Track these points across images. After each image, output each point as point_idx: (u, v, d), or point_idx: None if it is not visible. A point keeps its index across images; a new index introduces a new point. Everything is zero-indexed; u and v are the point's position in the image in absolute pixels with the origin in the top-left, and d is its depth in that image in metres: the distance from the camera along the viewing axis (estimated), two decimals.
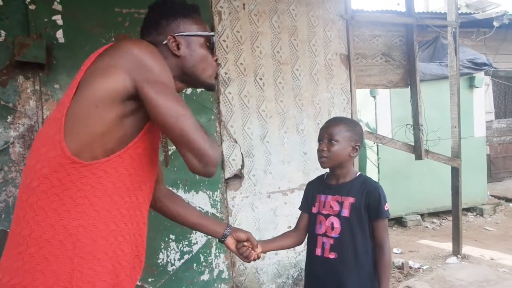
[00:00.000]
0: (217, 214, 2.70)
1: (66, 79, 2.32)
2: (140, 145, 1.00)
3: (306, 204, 1.70)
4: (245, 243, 1.48)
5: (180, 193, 2.57)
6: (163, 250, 2.56)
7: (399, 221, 5.11)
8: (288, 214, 2.92)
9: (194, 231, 2.61)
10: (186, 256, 2.63)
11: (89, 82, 0.93)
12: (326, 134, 1.58)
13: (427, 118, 3.65)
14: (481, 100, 5.61)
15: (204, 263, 2.68)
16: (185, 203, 1.47)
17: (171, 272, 2.58)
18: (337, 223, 1.56)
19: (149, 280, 2.49)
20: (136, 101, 0.96)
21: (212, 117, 2.69)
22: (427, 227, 5.04)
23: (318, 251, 1.59)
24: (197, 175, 1.18)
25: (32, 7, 2.22)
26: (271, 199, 2.90)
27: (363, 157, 5.13)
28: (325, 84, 3.08)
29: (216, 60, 1.16)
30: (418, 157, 3.56)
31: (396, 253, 4.04)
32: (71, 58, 2.32)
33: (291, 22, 2.96)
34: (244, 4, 2.79)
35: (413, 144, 3.61)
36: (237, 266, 2.78)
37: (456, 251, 3.87)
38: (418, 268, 3.62)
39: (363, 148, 4.94)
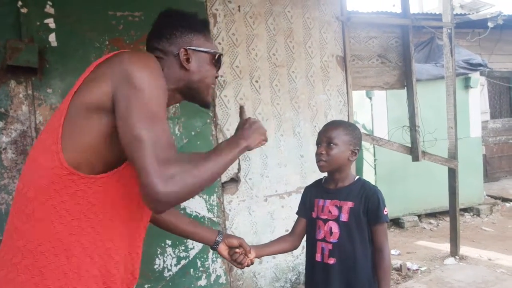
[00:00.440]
0: (214, 219, 2.68)
1: (59, 84, 2.29)
2: None
3: (304, 209, 1.68)
4: (237, 250, 1.45)
5: None
6: (159, 255, 2.52)
7: (396, 222, 5.10)
8: (285, 218, 2.89)
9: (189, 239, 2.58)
10: (182, 262, 2.60)
11: (84, 91, 0.91)
12: (325, 137, 1.55)
13: (423, 119, 3.64)
14: (477, 100, 5.62)
15: (201, 268, 2.66)
16: (176, 212, 1.45)
17: (168, 278, 2.55)
18: (335, 228, 1.54)
19: (146, 286, 2.46)
20: None
21: (208, 120, 2.66)
22: (424, 228, 5.04)
23: (318, 257, 1.57)
24: None
25: (24, 10, 2.18)
26: (268, 202, 2.88)
27: (360, 159, 5.12)
28: (321, 86, 3.07)
29: (216, 77, 1.16)
30: (415, 158, 3.55)
31: (394, 254, 4.03)
32: (64, 62, 2.29)
33: (286, 24, 2.94)
34: (239, 7, 2.77)
35: (409, 145, 3.60)
36: (234, 270, 2.76)
37: (454, 252, 3.86)
38: (416, 269, 3.61)
39: (360, 150, 4.92)
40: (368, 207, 1.51)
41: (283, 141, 2.93)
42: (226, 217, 2.74)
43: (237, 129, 1.14)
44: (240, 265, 1.46)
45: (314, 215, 1.61)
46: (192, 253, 2.62)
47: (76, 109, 0.90)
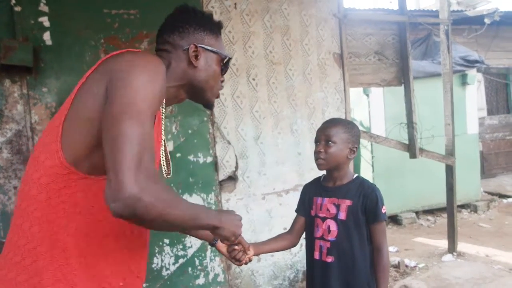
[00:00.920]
0: None
1: (54, 82, 2.27)
2: None
3: (302, 207, 1.67)
4: (236, 247, 1.45)
5: None
6: (157, 254, 2.52)
7: (394, 219, 5.11)
8: (283, 215, 2.89)
9: (188, 235, 2.58)
10: (180, 260, 2.59)
11: (85, 92, 0.90)
12: (323, 135, 1.55)
13: (420, 116, 3.64)
14: (474, 97, 5.63)
15: (199, 267, 2.65)
16: None
17: (166, 277, 2.54)
18: (334, 226, 1.53)
19: (144, 285, 2.45)
20: None
21: (205, 118, 2.65)
22: (422, 224, 5.05)
23: (316, 255, 1.56)
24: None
25: (17, 8, 2.16)
26: (266, 200, 2.87)
27: (357, 156, 5.12)
28: (318, 84, 3.06)
29: (222, 81, 1.15)
30: (413, 155, 3.55)
31: (391, 251, 4.04)
32: (59, 61, 2.27)
33: (283, 21, 2.93)
34: (235, 4, 2.76)
35: (407, 142, 3.60)
36: (232, 269, 2.75)
37: (452, 248, 3.87)
38: (414, 266, 3.61)
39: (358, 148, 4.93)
40: (366, 205, 1.51)
41: (281, 139, 2.92)
42: None
43: (225, 212, 1.08)
44: (238, 262, 1.46)
45: (312, 213, 1.61)
46: (190, 252, 2.62)
47: (78, 108, 0.89)
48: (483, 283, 3.17)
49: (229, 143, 2.75)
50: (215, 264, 2.69)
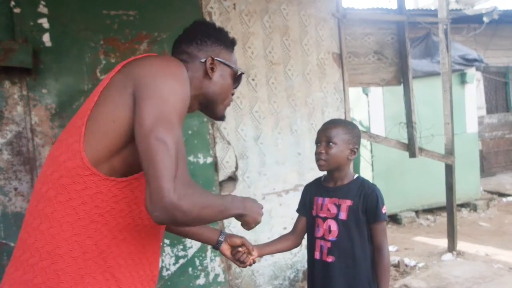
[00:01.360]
0: None
1: (54, 84, 2.27)
2: None
3: (303, 207, 1.68)
4: (240, 249, 1.45)
5: None
6: None
7: (394, 218, 5.12)
8: (284, 216, 2.89)
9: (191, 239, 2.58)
10: (181, 261, 2.59)
11: (109, 93, 0.92)
12: (324, 136, 1.55)
13: (419, 115, 3.65)
14: (473, 96, 5.63)
15: (199, 267, 2.65)
16: None
17: (166, 277, 2.55)
18: (334, 226, 1.54)
19: None
20: None
21: (205, 119, 2.65)
22: (421, 223, 5.05)
23: (317, 255, 1.57)
24: None
25: (17, 10, 2.16)
26: (266, 200, 2.87)
27: (357, 156, 5.12)
28: (318, 84, 3.06)
29: (232, 94, 1.20)
30: (412, 155, 3.56)
31: (391, 250, 4.04)
32: (59, 62, 2.27)
33: (282, 21, 2.93)
34: (234, 4, 2.76)
35: (406, 142, 3.60)
36: (233, 269, 2.76)
37: (451, 247, 3.88)
38: (414, 265, 3.62)
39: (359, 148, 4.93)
40: (366, 205, 1.51)
41: (280, 139, 2.93)
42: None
43: (248, 199, 1.14)
44: (243, 264, 1.46)
45: (313, 213, 1.61)
46: (191, 252, 2.62)
47: (101, 110, 0.90)
48: (483, 282, 3.17)
49: (229, 143, 2.75)
50: (215, 264, 2.70)
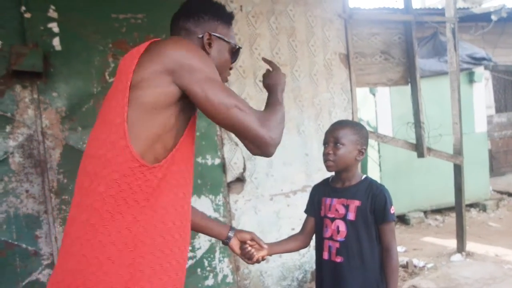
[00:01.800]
0: (220, 218, 2.69)
1: (64, 87, 2.30)
2: (187, 138, 1.05)
3: (312, 208, 1.68)
4: (249, 242, 1.46)
5: None
6: None
7: (402, 219, 5.09)
8: (291, 216, 2.90)
9: (197, 236, 2.60)
10: (189, 262, 2.61)
11: (141, 87, 0.96)
12: (332, 137, 1.56)
13: (427, 115, 3.62)
14: (481, 95, 5.58)
15: (208, 268, 2.67)
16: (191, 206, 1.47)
17: None
18: (342, 227, 1.54)
19: None
20: (186, 98, 1.00)
21: None
22: (430, 224, 5.02)
23: (325, 255, 1.58)
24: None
25: (27, 15, 2.20)
26: (274, 201, 2.88)
27: (365, 156, 5.10)
28: (325, 84, 3.06)
29: (230, 69, 1.24)
30: (420, 155, 3.54)
31: (400, 251, 4.02)
32: (69, 66, 2.30)
33: (289, 23, 2.94)
34: (241, 6, 2.77)
35: (414, 142, 3.59)
36: (241, 270, 2.77)
37: (461, 248, 3.85)
38: (423, 266, 3.60)
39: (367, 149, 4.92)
40: (375, 205, 1.52)
41: (288, 140, 2.93)
42: (232, 217, 2.74)
43: (265, 78, 1.33)
44: (249, 260, 1.47)
45: (321, 213, 1.62)
46: (199, 253, 2.64)
47: (139, 105, 0.96)
48: (493, 283, 3.15)
49: (236, 144, 2.76)
50: (224, 265, 2.71)
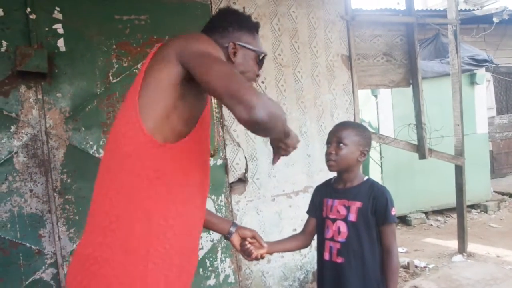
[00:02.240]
0: None
1: (68, 88, 2.32)
2: (200, 129, 1.07)
3: (313, 208, 1.70)
4: (249, 239, 1.48)
5: None
6: None
7: (404, 220, 5.10)
8: (293, 217, 2.91)
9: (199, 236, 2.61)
10: None
11: (153, 69, 1.02)
12: (335, 137, 1.57)
13: (429, 116, 3.64)
14: (483, 96, 5.59)
15: (210, 268, 2.68)
16: None
17: None
18: (344, 228, 1.55)
19: None
20: (193, 82, 1.01)
21: (215, 121, 2.68)
22: (431, 225, 5.03)
23: (326, 256, 1.59)
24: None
25: (32, 16, 2.21)
26: (276, 202, 2.89)
27: (366, 157, 5.11)
28: (327, 86, 3.08)
29: (257, 76, 1.26)
30: (422, 156, 3.55)
31: (401, 252, 4.03)
32: (73, 66, 2.32)
33: (291, 24, 2.95)
34: (244, 8, 2.79)
35: (416, 143, 3.60)
36: (243, 270, 2.78)
37: (462, 249, 3.86)
38: (424, 267, 3.61)
39: (369, 151, 4.93)
40: (376, 207, 1.52)
41: None
42: (234, 217, 2.76)
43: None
44: (248, 256, 1.48)
45: (323, 214, 1.63)
46: (201, 253, 2.65)
47: (149, 85, 1.01)
48: (494, 284, 3.15)
49: (238, 145, 2.78)
50: (225, 265, 2.72)
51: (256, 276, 2.83)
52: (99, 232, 1.00)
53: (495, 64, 6.03)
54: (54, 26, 2.27)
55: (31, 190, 2.24)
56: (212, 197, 2.68)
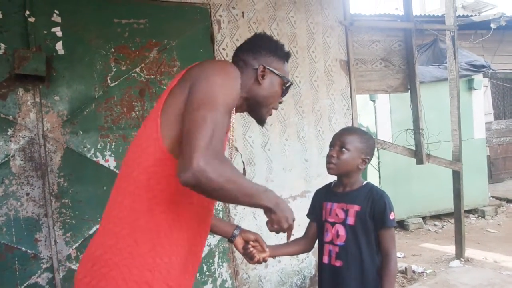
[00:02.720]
0: None
1: (66, 91, 2.31)
2: None
3: (314, 212, 1.70)
4: (252, 243, 1.48)
5: None
6: None
7: (401, 225, 5.10)
8: None
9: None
10: None
11: (175, 91, 1.07)
12: (339, 141, 1.58)
13: (427, 121, 3.65)
14: (480, 102, 5.62)
15: (207, 273, 2.67)
16: None
17: None
18: (342, 231, 1.55)
19: None
20: None
21: None
22: (429, 230, 5.03)
23: (325, 259, 1.59)
24: None
25: (31, 19, 2.21)
26: None
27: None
28: (325, 91, 3.08)
29: (280, 102, 1.31)
30: (420, 161, 3.56)
31: (399, 257, 4.02)
32: (71, 70, 2.32)
33: (290, 29, 2.96)
34: (243, 13, 2.79)
35: (413, 148, 3.60)
36: (240, 275, 2.77)
37: (459, 254, 3.86)
38: (422, 272, 3.60)
39: (371, 159, 4.93)
40: (374, 211, 1.52)
41: (288, 146, 2.94)
42: (231, 222, 2.75)
43: (285, 202, 1.16)
44: (251, 259, 1.48)
45: (322, 218, 1.63)
46: None
47: (170, 106, 1.05)
48: None
49: (236, 150, 2.77)
50: (222, 270, 2.71)
51: (253, 281, 2.82)
52: (111, 237, 1.04)
53: (493, 70, 6.07)
54: (53, 29, 2.27)
55: (27, 194, 2.23)
56: None
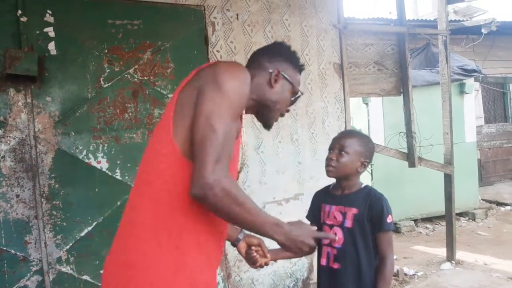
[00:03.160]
0: None
1: (58, 92, 2.29)
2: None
3: (312, 214, 1.70)
4: (254, 247, 1.48)
5: None
6: None
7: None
8: None
9: None
10: None
11: (185, 92, 1.08)
12: (338, 144, 1.58)
13: (419, 124, 3.68)
14: (471, 106, 5.68)
15: None
16: None
17: None
18: (340, 234, 1.56)
19: None
20: None
21: None
22: (420, 232, 5.07)
23: (323, 261, 1.60)
24: None
25: (23, 19, 2.19)
26: (266, 209, 2.88)
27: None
28: (319, 94, 3.09)
29: (287, 111, 1.32)
30: (412, 164, 3.58)
31: None
32: (64, 71, 2.29)
33: (284, 32, 2.97)
34: (237, 15, 2.79)
35: (406, 151, 3.63)
36: (232, 277, 2.76)
37: (450, 256, 3.89)
38: (413, 274, 3.63)
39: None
40: (372, 214, 1.54)
41: (281, 148, 2.95)
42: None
43: (294, 223, 1.20)
44: (253, 264, 1.48)
45: (321, 220, 1.64)
46: None
47: (181, 106, 1.07)
48: None
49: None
50: None
51: (246, 284, 2.81)
52: (134, 240, 1.05)
53: (484, 74, 6.15)
54: (46, 29, 2.24)
55: (17, 196, 2.20)
56: None
